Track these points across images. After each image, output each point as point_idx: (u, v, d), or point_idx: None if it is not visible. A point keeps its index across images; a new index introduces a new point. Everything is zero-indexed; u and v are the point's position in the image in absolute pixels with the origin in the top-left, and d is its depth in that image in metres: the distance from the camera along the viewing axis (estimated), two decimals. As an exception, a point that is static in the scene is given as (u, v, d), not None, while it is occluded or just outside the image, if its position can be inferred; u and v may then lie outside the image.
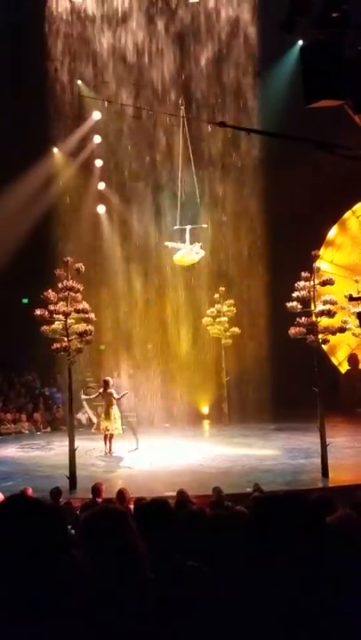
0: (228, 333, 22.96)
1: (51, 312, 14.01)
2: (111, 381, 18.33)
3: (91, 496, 10.09)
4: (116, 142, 24.00)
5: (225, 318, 22.96)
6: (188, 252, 20.14)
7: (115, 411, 17.45)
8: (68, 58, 22.83)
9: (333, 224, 25.67)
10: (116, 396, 17.63)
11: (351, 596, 1.91)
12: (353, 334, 20.32)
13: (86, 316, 14.24)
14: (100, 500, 9.49)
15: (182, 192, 20.89)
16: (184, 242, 20.27)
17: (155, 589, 2.05)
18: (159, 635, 1.87)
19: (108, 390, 17.64)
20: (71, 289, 14.13)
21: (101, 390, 17.95)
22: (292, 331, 14.18)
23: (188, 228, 20.61)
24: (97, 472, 14.84)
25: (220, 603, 1.99)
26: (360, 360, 24.71)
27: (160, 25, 22.70)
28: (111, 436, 17.35)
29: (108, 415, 17.37)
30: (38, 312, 14.09)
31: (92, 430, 18.10)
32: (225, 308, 23.02)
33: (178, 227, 20.91)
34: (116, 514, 2.27)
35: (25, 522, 1.86)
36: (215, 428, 22.73)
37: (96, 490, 10.02)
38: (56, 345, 14.10)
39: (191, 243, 20.35)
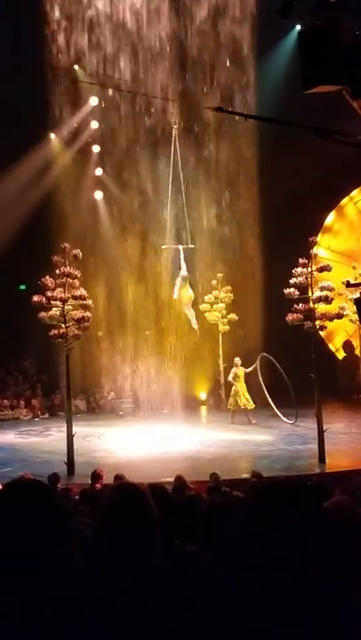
0: (225, 320, 22.97)
1: (48, 298, 14.00)
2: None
3: (89, 482, 10.13)
4: (113, 127, 23.84)
5: (222, 305, 22.96)
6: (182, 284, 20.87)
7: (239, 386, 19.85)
8: (66, 41, 22.61)
9: (331, 210, 25.58)
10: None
11: (347, 580, 1.94)
12: (350, 321, 20.32)
13: (84, 302, 14.23)
14: (99, 486, 9.52)
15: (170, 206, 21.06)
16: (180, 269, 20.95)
17: (160, 576, 2.05)
18: (161, 621, 1.89)
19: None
20: (69, 275, 14.10)
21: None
22: (290, 317, 14.18)
23: (181, 247, 20.93)
24: (95, 458, 14.86)
25: (218, 588, 2.01)
26: (355, 346, 24.73)
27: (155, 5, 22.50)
28: (246, 409, 19.56)
29: (237, 391, 19.85)
30: (36, 298, 14.08)
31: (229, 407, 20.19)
32: (222, 295, 23.00)
33: (166, 246, 21.27)
34: (145, 494, 2.15)
35: (31, 504, 1.86)
36: (212, 414, 22.78)
37: (96, 476, 10.04)
38: (54, 331, 14.10)
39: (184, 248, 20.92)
